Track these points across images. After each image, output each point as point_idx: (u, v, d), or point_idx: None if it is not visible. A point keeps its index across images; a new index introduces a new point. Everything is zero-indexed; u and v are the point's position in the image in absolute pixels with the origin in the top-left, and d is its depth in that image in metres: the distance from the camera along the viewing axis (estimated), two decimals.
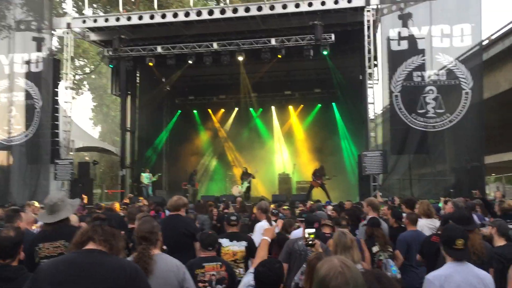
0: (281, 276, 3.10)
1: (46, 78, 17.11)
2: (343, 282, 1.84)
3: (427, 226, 6.06)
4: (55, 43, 19.79)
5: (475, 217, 7.15)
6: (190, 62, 17.63)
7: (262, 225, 6.51)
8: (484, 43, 15.78)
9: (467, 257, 3.60)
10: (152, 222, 3.70)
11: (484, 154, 14.77)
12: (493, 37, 17.03)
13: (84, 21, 17.28)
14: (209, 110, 24.11)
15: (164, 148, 23.35)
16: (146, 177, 18.66)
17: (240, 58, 17.39)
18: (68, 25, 17.44)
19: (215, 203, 12.53)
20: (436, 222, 6.16)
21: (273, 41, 16.50)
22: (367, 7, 15.26)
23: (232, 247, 5.29)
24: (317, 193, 17.70)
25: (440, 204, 9.51)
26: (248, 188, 18.44)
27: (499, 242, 4.53)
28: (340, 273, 1.86)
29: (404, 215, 6.58)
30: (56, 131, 17.49)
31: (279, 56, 16.78)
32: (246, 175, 18.65)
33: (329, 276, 1.87)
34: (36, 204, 9.50)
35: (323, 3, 15.18)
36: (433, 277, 3.47)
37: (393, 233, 6.29)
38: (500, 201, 7.88)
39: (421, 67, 14.53)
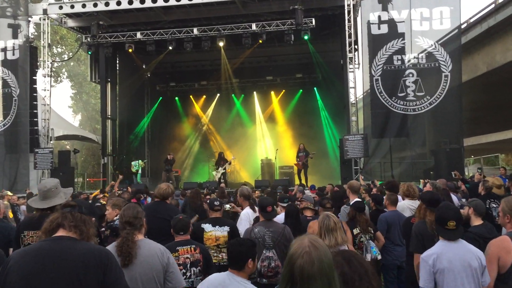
0: (251, 250, 3.16)
1: (23, 66, 16.80)
2: (308, 261, 1.90)
3: (408, 207, 6.17)
4: (31, 29, 19.36)
5: (454, 198, 7.31)
6: (170, 48, 17.45)
7: (247, 212, 6.47)
8: (462, 26, 15.95)
9: (459, 236, 3.66)
10: (136, 208, 3.70)
11: (462, 136, 15.03)
12: (471, 21, 17.20)
13: (61, 7, 16.92)
14: (191, 97, 24.01)
15: (146, 135, 23.19)
16: (134, 165, 18.61)
17: (221, 44, 17.28)
18: (45, 11, 17.08)
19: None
20: (417, 204, 6.26)
21: (253, 26, 16.42)
22: None
23: (215, 232, 5.31)
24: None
25: (420, 186, 9.67)
26: (224, 174, 18.33)
27: (476, 221, 4.62)
28: (307, 253, 1.92)
29: (385, 196, 6.69)
30: (35, 119, 17.23)
31: (260, 41, 16.73)
32: (222, 161, 18.55)
33: (296, 254, 1.94)
34: (9, 193, 9.45)
35: None
36: (426, 257, 3.60)
37: (372, 215, 6.40)
38: (484, 180, 8.01)
39: (401, 51, 14.63)
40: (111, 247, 3.37)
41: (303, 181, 16.49)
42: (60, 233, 2.54)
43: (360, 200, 6.31)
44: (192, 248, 4.36)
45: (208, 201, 6.56)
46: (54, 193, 4.01)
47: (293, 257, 1.94)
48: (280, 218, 6.24)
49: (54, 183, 4.10)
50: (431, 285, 3.53)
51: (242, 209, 6.73)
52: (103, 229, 4.89)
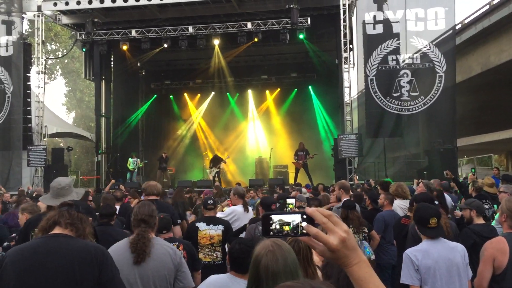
0: None
1: (16, 63, 16.70)
2: (272, 259, 1.98)
3: (400, 206, 6.19)
4: (25, 26, 19.26)
5: (448, 198, 7.33)
6: (165, 46, 17.37)
7: (236, 209, 6.48)
8: (457, 27, 16.01)
9: (442, 233, 3.73)
10: (151, 206, 3.70)
11: (456, 136, 15.08)
12: (466, 21, 17.28)
13: (55, 4, 16.77)
14: (186, 95, 23.94)
15: (140, 134, 23.10)
16: (132, 163, 18.50)
17: (216, 42, 17.24)
18: (39, 8, 16.97)
19: (192, 188, 12.54)
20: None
21: (249, 25, 16.39)
22: None
23: (209, 231, 5.31)
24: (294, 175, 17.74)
25: (414, 186, 9.69)
26: (218, 173, 18.29)
27: (478, 221, 4.71)
28: (270, 251, 2.00)
29: (380, 196, 6.70)
30: (29, 116, 17.15)
31: (256, 39, 16.68)
32: (216, 161, 18.52)
33: (260, 254, 2.02)
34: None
35: None
36: (412, 253, 3.64)
37: (368, 214, 6.41)
38: (473, 181, 8.06)
39: (396, 51, 14.66)
40: (123, 243, 3.37)
41: (307, 181, 16.44)
42: (56, 230, 2.54)
43: (349, 199, 6.30)
44: (175, 245, 4.35)
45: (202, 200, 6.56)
46: (67, 192, 4.04)
47: (257, 257, 2.01)
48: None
49: (68, 182, 4.17)
50: (418, 282, 3.56)
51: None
52: (14, 234, 4.84)
